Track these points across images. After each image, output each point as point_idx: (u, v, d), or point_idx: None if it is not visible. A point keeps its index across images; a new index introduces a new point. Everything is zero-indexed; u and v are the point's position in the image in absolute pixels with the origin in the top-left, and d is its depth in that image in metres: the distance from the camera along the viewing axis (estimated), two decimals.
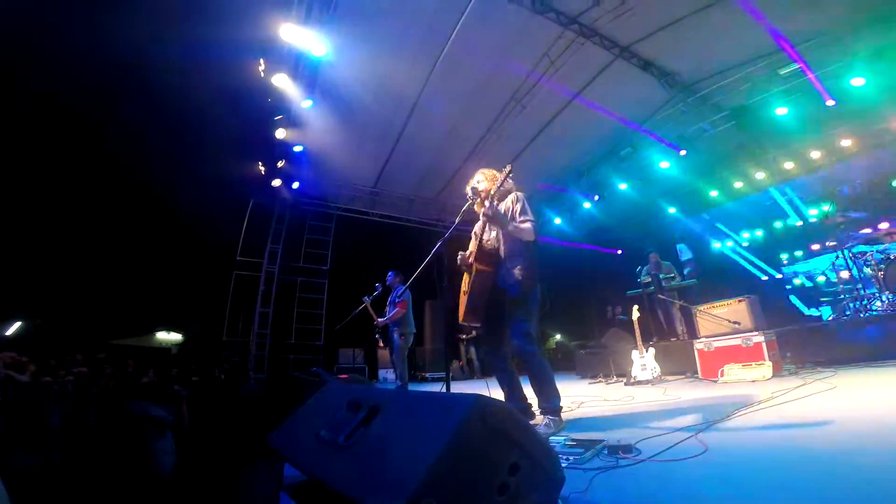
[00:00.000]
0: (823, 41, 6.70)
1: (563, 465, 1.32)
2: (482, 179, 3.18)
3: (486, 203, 2.89)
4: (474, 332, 10.31)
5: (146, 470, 3.68)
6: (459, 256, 3.07)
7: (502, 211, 3.00)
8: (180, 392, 4.67)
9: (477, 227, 3.27)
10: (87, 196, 10.26)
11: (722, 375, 4.57)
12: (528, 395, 3.06)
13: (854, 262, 5.17)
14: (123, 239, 11.46)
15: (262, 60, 6.98)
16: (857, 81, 6.85)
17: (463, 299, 3.01)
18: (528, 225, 2.92)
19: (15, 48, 6.94)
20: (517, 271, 2.90)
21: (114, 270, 11.81)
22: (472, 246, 3.05)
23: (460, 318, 3.02)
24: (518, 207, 3.00)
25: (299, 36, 6.35)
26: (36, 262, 10.70)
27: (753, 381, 4.16)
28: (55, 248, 10.81)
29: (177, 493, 3.82)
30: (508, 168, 2.93)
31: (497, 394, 2.92)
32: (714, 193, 10.05)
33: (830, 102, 7.16)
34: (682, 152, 9.01)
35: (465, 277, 3.07)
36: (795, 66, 6.94)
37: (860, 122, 7.63)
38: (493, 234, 3.06)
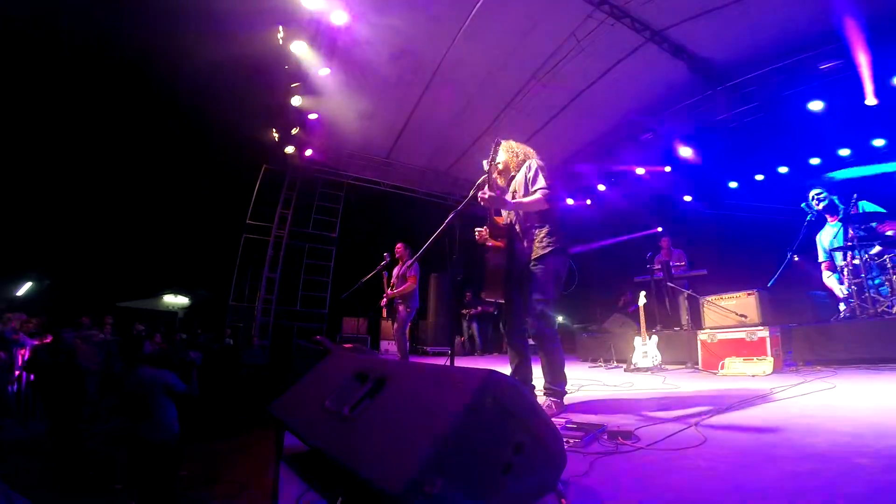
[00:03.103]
0: (870, 38, 6.39)
1: (564, 447, 1.33)
2: (500, 151, 3.13)
3: (485, 188, 2.81)
4: (479, 308, 10.40)
5: (151, 435, 3.79)
6: (477, 233, 3.04)
7: (517, 182, 2.93)
8: (195, 360, 4.76)
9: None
10: (97, 159, 10.32)
11: (722, 368, 4.58)
12: (534, 377, 3.08)
13: (868, 263, 5.06)
14: (133, 201, 11.56)
15: (280, 27, 6.86)
16: None
17: (484, 274, 3.01)
18: (536, 195, 2.81)
19: (38, 25, 6.91)
20: (532, 246, 2.85)
21: (123, 232, 11.96)
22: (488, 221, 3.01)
23: (483, 292, 3.01)
24: (531, 175, 2.90)
25: (320, 3, 6.21)
26: (46, 224, 10.85)
27: (753, 376, 4.16)
28: (65, 210, 10.93)
29: (180, 458, 3.95)
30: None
31: (499, 369, 2.94)
32: (734, 185, 9.86)
33: (873, 101, 6.72)
34: (704, 142, 8.79)
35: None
36: (836, 61, 6.63)
37: None
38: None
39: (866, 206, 5.17)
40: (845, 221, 5.12)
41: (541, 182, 2.85)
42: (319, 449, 1.42)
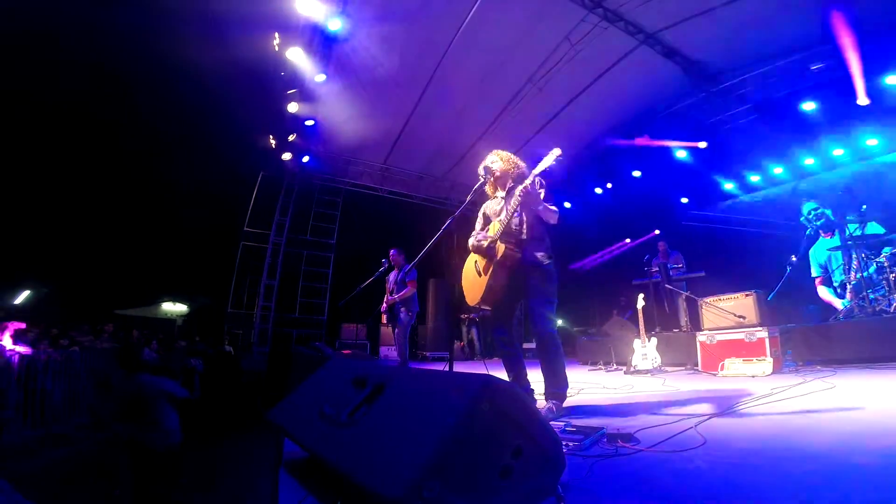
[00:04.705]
0: (860, 37, 6.44)
1: (564, 450, 1.32)
2: (496, 160, 3.13)
3: (528, 180, 2.79)
4: (481, 313, 10.38)
5: (155, 443, 3.76)
6: (479, 237, 2.97)
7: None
8: (196, 367, 4.72)
9: (488, 208, 3.22)
10: (95, 167, 10.33)
11: (722, 369, 4.58)
12: (530, 381, 3.07)
13: (864, 262, 5.07)
14: (132, 209, 11.55)
15: (276, 34, 6.90)
16: (894, 80, 6.54)
17: (478, 280, 2.96)
18: (555, 208, 2.90)
19: (27, 25, 6.92)
20: (541, 253, 2.88)
21: (122, 240, 11.94)
22: (493, 227, 2.96)
23: (474, 300, 2.97)
24: (542, 192, 2.91)
25: (315, 9, 6.25)
26: (44, 232, 10.83)
27: (753, 377, 4.16)
28: (63, 218, 10.92)
29: (183, 466, 3.92)
30: (558, 152, 2.84)
31: (497, 374, 2.92)
32: (729, 186, 9.90)
33: (864, 101, 6.71)
34: (703, 144, 8.82)
35: (477, 259, 3.02)
36: (828, 61, 6.68)
37: (890, 122, 7.36)
38: (513, 215, 2.91)
39: (874, 227, 5.02)
40: (845, 246, 4.97)
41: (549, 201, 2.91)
42: (318, 455, 1.41)
